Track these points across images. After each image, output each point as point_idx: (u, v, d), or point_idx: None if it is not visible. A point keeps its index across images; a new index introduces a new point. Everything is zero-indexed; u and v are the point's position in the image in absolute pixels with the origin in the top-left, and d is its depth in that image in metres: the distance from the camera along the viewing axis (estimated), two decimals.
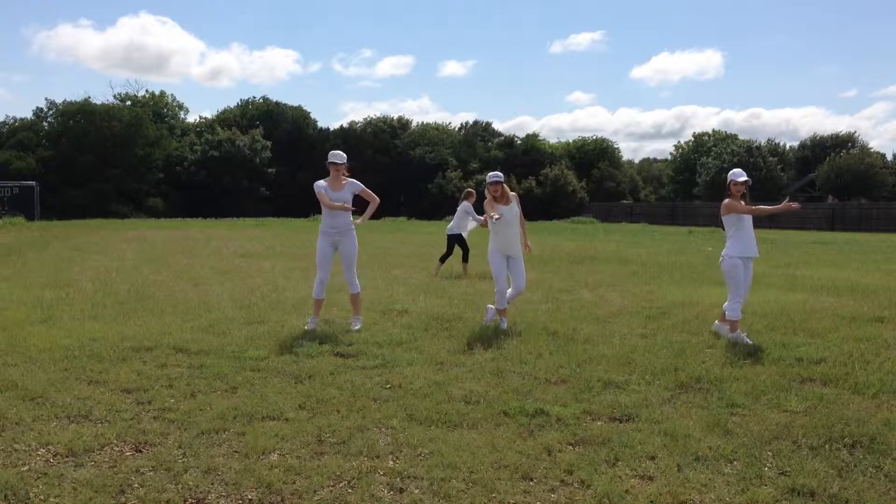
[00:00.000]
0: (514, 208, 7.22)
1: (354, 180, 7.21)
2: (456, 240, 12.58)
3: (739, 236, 6.63)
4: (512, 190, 7.53)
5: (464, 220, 12.48)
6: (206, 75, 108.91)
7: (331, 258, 7.20)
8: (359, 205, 7.24)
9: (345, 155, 7.29)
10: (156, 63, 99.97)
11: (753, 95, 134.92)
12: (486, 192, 7.25)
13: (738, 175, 6.69)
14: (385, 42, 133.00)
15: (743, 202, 6.67)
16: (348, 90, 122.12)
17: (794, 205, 6.85)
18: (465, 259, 12.58)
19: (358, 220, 7.29)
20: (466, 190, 13.26)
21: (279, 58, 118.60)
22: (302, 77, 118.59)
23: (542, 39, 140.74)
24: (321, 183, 7.12)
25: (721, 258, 6.82)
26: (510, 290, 7.31)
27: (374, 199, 7.30)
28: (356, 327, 7.10)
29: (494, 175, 7.22)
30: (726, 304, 6.70)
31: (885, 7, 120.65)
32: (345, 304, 8.04)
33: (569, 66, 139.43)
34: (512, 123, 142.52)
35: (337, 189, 7.08)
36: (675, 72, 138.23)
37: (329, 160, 7.12)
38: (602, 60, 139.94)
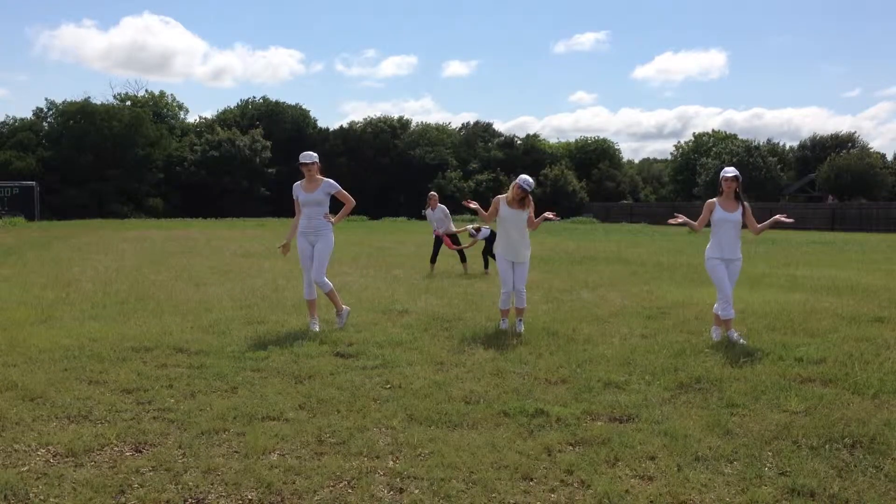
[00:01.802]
0: (523, 214, 7.12)
1: (331, 181, 7.18)
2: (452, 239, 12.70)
3: (715, 237, 6.71)
4: (507, 189, 7.47)
5: (445, 222, 12.86)
6: (209, 75, 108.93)
7: (312, 257, 7.18)
8: (355, 206, 7.19)
9: (313, 154, 7.23)
10: (159, 63, 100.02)
11: (756, 95, 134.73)
12: (511, 188, 7.18)
13: (726, 172, 6.73)
14: (388, 42, 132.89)
15: (738, 201, 6.68)
16: (351, 90, 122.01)
17: (677, 220, 7.20)
18: (463, 259, 12.60)
19: (332, 219, 7.20)
20: (432, 194, 13.59)
21: (282, 58, 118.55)
22: (305, 77, 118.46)
23: (545, 39, 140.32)
24: (297, 184, 7.17)
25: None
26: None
27: (349, 202, 7.21)
28: (341, 324, 7.13)
29: (530, 183, 7.08)
30: (716, 305, 6.72)
31: (888, 7, 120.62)
32: (347, 304, 8.02)
33: (572, 66, 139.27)
34: (513, 123, 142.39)
35: (310, 190, 7.08)
36: (678, 72, 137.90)
37: (299, 161, 7.09)
38: (605, 60, 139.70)
